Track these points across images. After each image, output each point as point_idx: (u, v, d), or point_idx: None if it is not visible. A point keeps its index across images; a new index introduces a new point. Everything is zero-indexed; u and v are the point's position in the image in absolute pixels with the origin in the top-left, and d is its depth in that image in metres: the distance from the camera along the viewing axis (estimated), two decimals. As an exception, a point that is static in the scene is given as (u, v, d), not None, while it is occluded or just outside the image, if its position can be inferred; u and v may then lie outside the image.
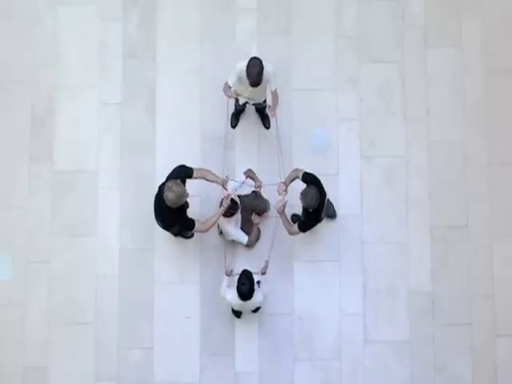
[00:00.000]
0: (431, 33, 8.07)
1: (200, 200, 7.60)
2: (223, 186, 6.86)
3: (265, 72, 6.72)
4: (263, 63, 6.69)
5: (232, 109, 7.61)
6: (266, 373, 7.56)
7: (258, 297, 6.75)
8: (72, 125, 7.91)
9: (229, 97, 7.04)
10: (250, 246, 7.51)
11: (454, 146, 7.93)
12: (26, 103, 7.93)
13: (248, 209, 7.34)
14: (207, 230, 6.90)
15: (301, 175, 6.83)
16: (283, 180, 7.00)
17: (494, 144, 7.93)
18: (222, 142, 7.73)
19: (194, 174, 6.67)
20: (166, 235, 7.57)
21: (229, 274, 6.95)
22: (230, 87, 6.99)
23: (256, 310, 7.43)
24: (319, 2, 8.11)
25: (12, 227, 7.74)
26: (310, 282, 7.67)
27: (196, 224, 6.74)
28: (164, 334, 7.60)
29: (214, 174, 6.84)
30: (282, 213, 6.94)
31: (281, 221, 6.96)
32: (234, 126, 7.82)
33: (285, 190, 6.92)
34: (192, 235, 7.62)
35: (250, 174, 7.29)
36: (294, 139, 7.87)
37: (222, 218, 6.97)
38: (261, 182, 7.22)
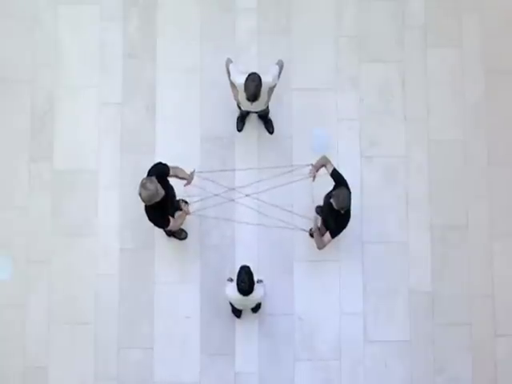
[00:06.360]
0: (431, 33, 8.07)
1: (200, 202, 7.59)
2: (189, 182, 6.91)
3: (264, 84, 6.72)
4: (262, 76, 6.68)
5: (234, 110, 7.63)
6: (265, 373, 7.57)
7: (258, 291, 6.68)
8: (72, 125, 7.91)
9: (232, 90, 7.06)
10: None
11: (454, 146, 7.93)
12: (25, 103, 7.93)
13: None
14: (178, 227, 6.95)
15: (329, 169, 6.79)
16: (313, 164, 6.98)
17: (494, 144, 7.93)
18: (222, 142, 7.76)
19: (170, 172, 6.70)
20: (165, 235, 7.57)
21: None
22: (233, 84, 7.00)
23: (256, 310, 7.43)
24: (319, 2, 8.12)
25: (12, 227, 7.74)
26: (310, 282, 7.67)
27: (170, 223, 6.75)
28: (164, 333, 7.60)
29: (183, 171, 6.86)
30: (316, 231, 6.95)
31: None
32: (240, 129, 7.83)
33: (314, 177, 6.91)
34: (185, 237, 7.64)
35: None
36: (294, 139, 7.87)
37: None
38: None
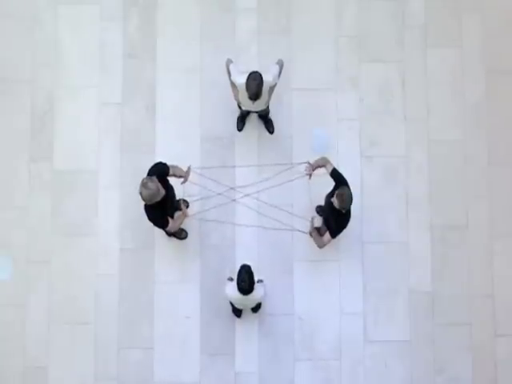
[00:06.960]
0: (431, 32, 8.08)
1: (200, 200, 7.59)
2: (186, 179, 6.89)
3: (264, 83, 6.72)
4: (263, 75, 6.69)
5: (234, 110, 7.63)
6: (265, 373, 7.57)
7: (258, 291, 6.69)
8: (72, 125, 7.91)
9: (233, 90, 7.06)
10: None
11: (454, 146, 7.93)
12: (25, 103, 7.93)
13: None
14: (176, 228, 6.94)
15: (329, 168, 6.80)
16: (311, 162, 6.97)
17: (494, 144, 7.93)
18: (222, 141, 7.77)
19: (170, 172, 6.71)
20: (165, 235, 7.57)
21: None
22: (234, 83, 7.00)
23: (256, 310, 7.43)
24: (319, 2, 8.12)
25: (12, 227, 7.74)
26: (310, 282, 7.67)
27: (170, 223, 6.75)
28: (164, 334, 7.60)
29: (181, 169, 6.87)
30: (314, 231, 6.98)
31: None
32: (240, 129, 7.83)
33: (310, 175, 6.92)
34: (185, 236, 7.64)
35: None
36: (294, 139, 7.87)
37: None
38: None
